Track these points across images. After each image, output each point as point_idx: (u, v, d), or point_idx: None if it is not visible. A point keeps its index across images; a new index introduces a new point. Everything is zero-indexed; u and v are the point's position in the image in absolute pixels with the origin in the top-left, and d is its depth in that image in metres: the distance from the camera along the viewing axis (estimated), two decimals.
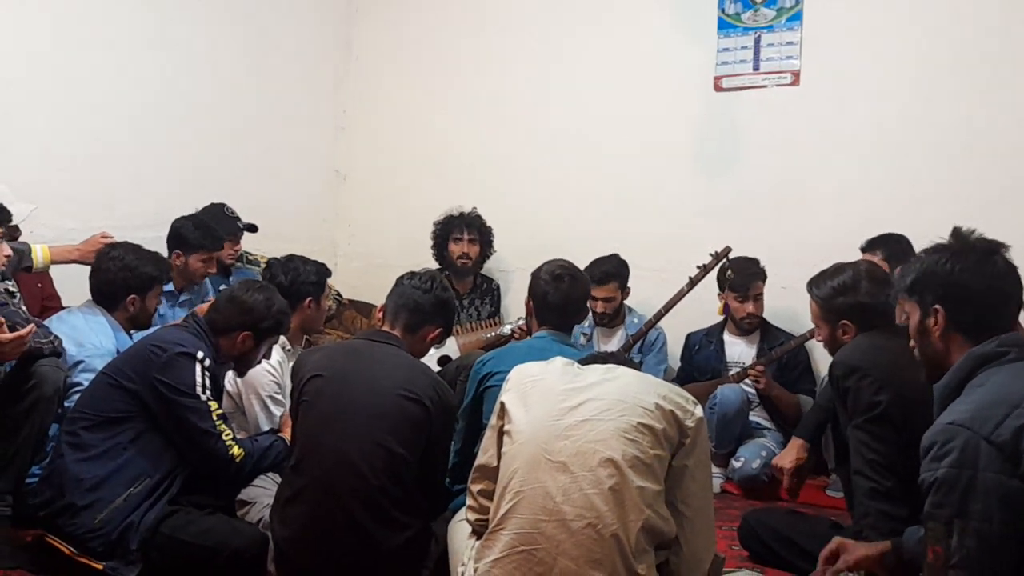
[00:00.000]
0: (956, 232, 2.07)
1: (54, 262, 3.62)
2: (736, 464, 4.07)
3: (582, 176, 5.17)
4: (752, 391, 4.28)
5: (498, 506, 2.02)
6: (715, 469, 4.16)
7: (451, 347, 4.53)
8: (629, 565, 1.87)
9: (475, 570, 2.00)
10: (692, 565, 2.01)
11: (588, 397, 2.06)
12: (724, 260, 4.17)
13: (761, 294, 4.33)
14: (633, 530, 1.89)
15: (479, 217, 5.06)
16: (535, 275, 3.03)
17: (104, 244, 3.61)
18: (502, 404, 2.17)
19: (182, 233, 4.08)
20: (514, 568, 1.92)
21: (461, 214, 5.03)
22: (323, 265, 3.69)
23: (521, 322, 4.37)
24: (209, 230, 4.17)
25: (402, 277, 2.93)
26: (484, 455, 2.22)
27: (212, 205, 4.47)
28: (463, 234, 4.99)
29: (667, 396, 2.06)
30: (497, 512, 2.00)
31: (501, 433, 2.14)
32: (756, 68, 4.74)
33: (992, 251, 2.00)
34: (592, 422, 2.00)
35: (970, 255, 1.98)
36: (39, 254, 3.59)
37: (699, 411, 2.10)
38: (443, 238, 5.04)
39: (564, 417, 2.03)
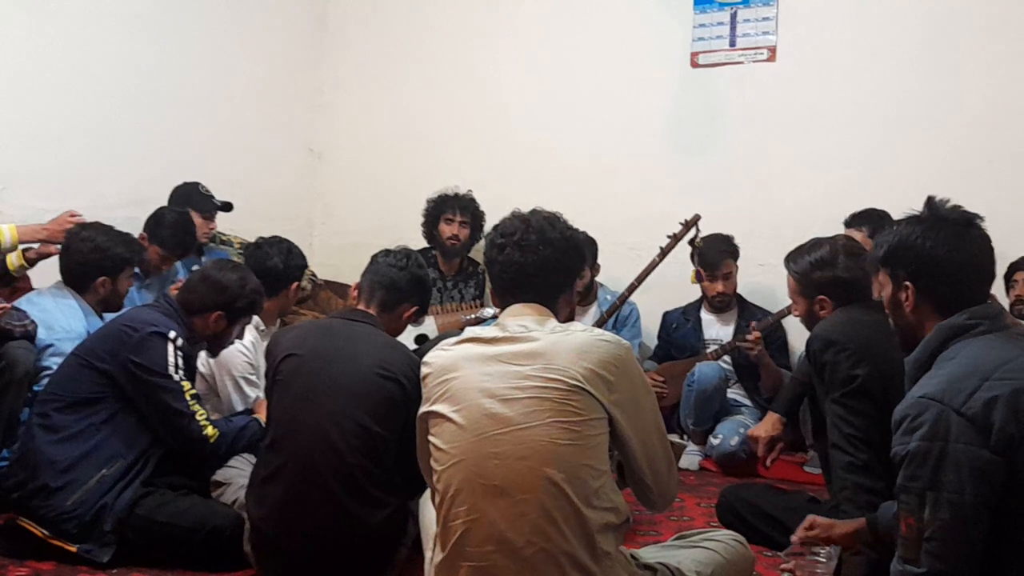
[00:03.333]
0: (930, 202, 2.04)
1: (22, 241, 3.56)
2: (714, 441, 4.08)
3: (559, 153, 5.14)
4: (730, 368, 4.29)
5: (445, 534, 1.92)
6: (693, 446, 4.20)
7: (429, 327, 4.50)
8: (589, 571, 1.83)
9: None
10: (660, 504, 2.08)
11: (507, 396, 1.89)
12: (694, 227, 4.15)
13: (731, 272, 4.34)
14: (589, 541, 1.83)
15: (473, 200, 5.00)
16: None
17: (72, 223, 3.56)
18: (426, 415, 2.02)
19: (160, 231, 4.00)
20: None
21: (456, 195, 4.98)
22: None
23: None
24: (186, 239, 4.08)
25: (377, 255, 2.90)
26: (421, 461, 2.10)
27: (186, 184, 4.42)
28: (455, 215, 4.95)
29: (585, 371, 1.88)
30: (446, 542, 1.91)
31: (429, 442, 2.02)
32: (732, 44, 4.73)
33: (966, 222, 1.98)
34: (516, 433, 1.86)
35: (943, 227, 1.96)
36: (6, 234, 3.51)
37: (619, 369, 1.91)
38: (435, 216, 4.99)
39: (487, 430, 1.88)
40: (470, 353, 1.99)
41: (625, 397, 1.93)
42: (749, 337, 4.08)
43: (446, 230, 4.95)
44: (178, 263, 4.23)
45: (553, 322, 2.03)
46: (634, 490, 2.06)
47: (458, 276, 5.09)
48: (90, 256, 3.36)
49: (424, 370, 2.07)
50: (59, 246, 3.54)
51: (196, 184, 4.45)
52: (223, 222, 4.69)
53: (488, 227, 5.07)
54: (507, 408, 1.88)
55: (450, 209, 4.95)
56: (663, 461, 2.02)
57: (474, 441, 1.89)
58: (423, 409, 2.04)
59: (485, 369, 1.94)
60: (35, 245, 3.58)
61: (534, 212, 2.13)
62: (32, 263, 3.55)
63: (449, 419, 1.94)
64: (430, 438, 2.00)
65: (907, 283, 1.98)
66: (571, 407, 1.86)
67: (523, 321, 2.00)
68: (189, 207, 4.27)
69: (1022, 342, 1.87)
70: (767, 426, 3.09)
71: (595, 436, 1.88)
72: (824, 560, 2.16)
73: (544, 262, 2.06)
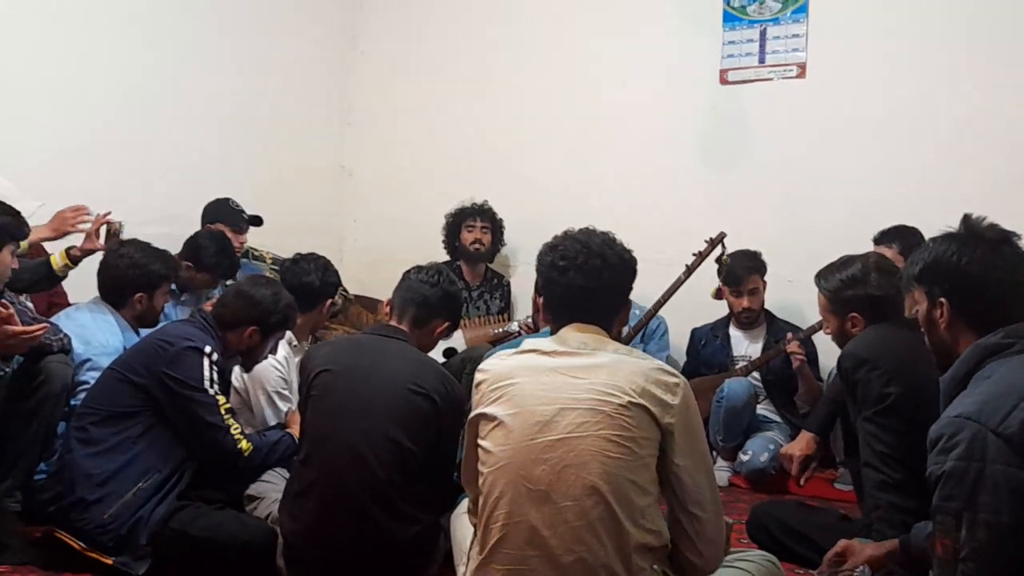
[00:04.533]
0: (966, 220, 2.03)
1: (31, 244, 3.59)
2: (744, 457, 4.07)
3: (589, 170, 5.16)
4: (759, 384, 4.27)
5: (485, 536, 1.94)
6: (722, 463, 4.18)
7: (457, 340, 4.53)
8: None
9: None
10: (708, 555, 1.96)
11: (561, 406, 1.91)
12: (720, 245, 4.15)
13: (758, 288, 4.33)
14: (626, 555, 1.83)
15: (491, 208, 5.13)
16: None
17: (75, 216, 3.61)
18: (476, 417, 2.04)
19: (202, 253, 4.04)
20: None
21: (473, 204, 5.11)
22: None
23: (529, 319, 4.37)
24: (228, 260, 4.13)
25: (409, 271, 2.93)
26: (466, 468, 2.12)
27: (217, 200, 4.48)
28: (476, 222, 5.07)
29: (644, 389, 1.90)
30: (485, 543, 1.93)
31: (477, 446, 2.03)
32: (762, 61, 4.73)
33: (1002, 240, 1.97)
34: (568, 441, 1.88)
35: (979, 245, 1.95)
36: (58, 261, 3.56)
37: (679, 399, 1.93)
38: (455, 228, 5.11)
39: (539, 435, 1.90)
40: (529, 363, 2.02)
41: (680, 423, 1.92)
42: (792, 345, 4.07)
43: (468, 237, 5.06)
44: None
45: (613, 343, 2.05)
46: (677, 541, 1.98)
47: (483, 286, 5.16)
48: (127, 272, 3.41)
49: (479, 376, 2.08)
50: (102, 242, 3.59)
51: (227, 200, 4.50)
52: (255, 237, 4.74)
53: (515, 242, 5.13)
54: (561, 417, 1.90)
55: (470, 217, 5.08)
56: (710, 504, 1.97)
57: (524, 445, 1.91)
58: (475, 412, 2.06)
59: (543, 379, 1.97)
60: (77, 243, 3.60)
61: (590, 234, 2.11)
62: (76, 261, 3.55)
63: (501, 422, 1.97)
64: (479, 441, 2.02)
65: (942, 300, 1.97)
66: (625, 422, 1.87)
67: (584, 339, 2.02)
68: (219, 222, 4.33)
69: None
70: (801, 445, 3.07)
71: (645, 455, 1.89)
72: None
73: (606, 286, 2.08)
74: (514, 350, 2.10)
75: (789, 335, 4.13)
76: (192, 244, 4.08)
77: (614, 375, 1.93)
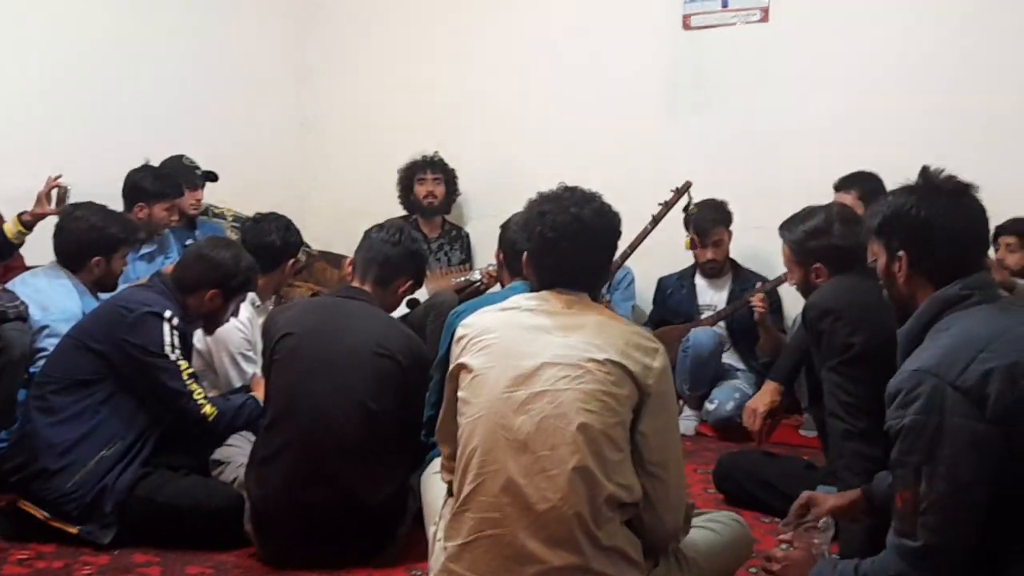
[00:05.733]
0: (924, 172, 2.02)
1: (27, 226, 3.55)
2: (710, 406, 4.10)
3: (551, 119, 5.11)
4: (724, 333, 4.29)
5: (461, 484, 1.96)
6: (689, 412, 4.21)
7: (420, 291, 4.50)
8: (593, 537, 1.84)
9: (444, 548, 1.98)
10: (667, 519, 1.98)
11: (544, 360, 1.93)
12: (686, 194, 4.14)
13: (723, 240, 4.34)
14: (596, 506, 1.85)
15: (441, 159, 5.12)
16: (505, 225, 3.00)
17: (53, 185, 3.57)
18: (457, 368, 2.05)
19: (141, 184, 4.01)
20: (483, 552, 1.89)
21: (424, 157, 5.10)
22: None
23: (491, 267, 4.35)
24: (167, 177, 4.14)
25: (370, 230, 2.90)
26: (444, 421, 2.13)
27: (171, 157, 4.40)
28: (427, 174, 5.08)
29: (625, 351, 1.94)
30: (460, 491, 1.95)
31: (456, 397, 2.05)
32: (725, 5, 4.68)
33: (960, 192, 1.96)
34: (550, 394, 1.90)
35: (937, 198, 1.94)
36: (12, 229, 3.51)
37: (659, 362, 1.96)
38: (408, 181, 5.11)
39: (520, 387, 1.92)
40: (512, 320, 2.04)
41: (657, 388, 1.94)
42: (756, 299, 4.08)
43: (420, 190, 5.07)
44: (172, 238, 4.22)
45: (597, 307, 2.08)
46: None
47: (442, 239, 5.17)
48: (84, 235, 3.34)
49: (461, 331, 2.09)
50: (53, 207, 3.54)
51: (180, 157, 4.43)
52: (215, 194, 4.67)
53: (475, 192, 5.09)
54: (543, 371, 1.92)
55: (420, 170, 5.09)
56: (673, 467, 1.99)
57: (504, 396, 1.93)
58: (455, 363, 2.06)
59: (526, 335, 1.99)
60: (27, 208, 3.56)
61: (580, 200, 2.07)
62: (29, 226, 3.52)
63: (481, 374, 1.98)
64: (459, 393, 2.03)
65: (900, 253, 1.97)
66: (605, 378, 1.90)
67: (569, 301, 2.04)
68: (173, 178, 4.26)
69: (1015, 312, 1.86)
70: (765, 398, 3.08)
71: (622, 412, 1.90)
72: (822, 529, 2.17)
73: (596, 259, 2.11)
74: (498, 307, 2.11)
75: (758, 284, 4.13)
76: (130, 186, 4.03)
77: (596, 334, 1.95)
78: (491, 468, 1.90)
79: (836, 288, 2.70)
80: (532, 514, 1.86)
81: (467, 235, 5.27)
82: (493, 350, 1.99)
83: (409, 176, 5.09)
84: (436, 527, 2.13)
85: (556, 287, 2.07)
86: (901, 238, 1.97)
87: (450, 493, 2.07)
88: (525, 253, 2.14)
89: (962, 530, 1.70)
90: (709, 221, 4.28)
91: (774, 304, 4.28)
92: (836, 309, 2.60)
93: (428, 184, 5.06)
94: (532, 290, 2.14)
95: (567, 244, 2.04)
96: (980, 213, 1.97)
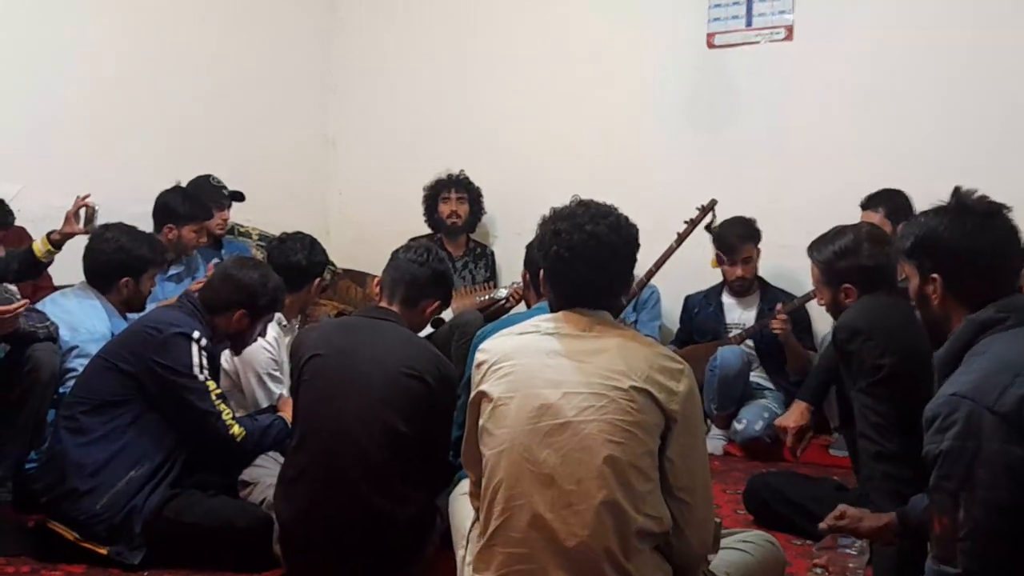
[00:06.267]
0: (956, 193, 2.01)
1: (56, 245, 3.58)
2: (738, 426, 4.07)
3: (575, 138, 5.11)
4: (752, 352, 4.27)
5: (488, 518, 1.93)
6: (717, 431, 4.19)
7: (445, 310, 4.52)
8: (623, 571, 1.81)
9: None
10: (695, 543, 1.95)
11: (566, 389, 1.89)
12: (710, 213, 4.13)
13: (751, 257, 4.31)
14: (626, 539, 1.82)
15: (467, 178, 5.11)
16: (530, 245, 2.99)
17: (81, 204, 3.61)
18: (478, 396, 2.02)
19: (171, 206, 4.06)
20: None
21: (449, 175, 5.09)
22: None
23: (517, 285, 4.36)
24: (197, 200, 4.17)
25: (397, 251, 2.90)
26: (467, 447, 2.10)
27: (197, 177, 4.44)
28: (451, 193, 5.05)
29: (649, 375, 1.89)
30: (487, 525, 1.92)
31: (479, 426, 2.01)
32: (749, 24, 4.67)
33: (992, 214, 1.95)
34: (573, 426, 1.86)
35: (969, 219, 1.93)
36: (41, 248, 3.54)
37: (684, 384, 1.91)
38: (433, 200, 5.10)
39: (544, 419, 1.88)
40: (532, 345, 1.99)
41: (684, 411, 1.91)
42: (776, 319, 4.07)
43: (444, 209, 5.05)
44: (199, 258, 4.24)
45: (618, 327, 2.04)
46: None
47: (466, 257, 5.16)
48: (113, 256, 3.37)
49: (480, 356, 2.05)
50: (81, 226, 3.58)
51: (207, 176, 4.47)
52: (241, 212, 4.70)
53: (500, 210, 5.08)
54: (566, 401, 1.89)
55: (444, 189, 5.07)
56: (700, 491, 1.96)
57: (528, 428, 1.90)
58: (476, 390, 2.03)
59: (547, 361, 1.95)
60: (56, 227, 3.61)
61: (594, 216, 2.02)
62: (58, 245, 3.55)
63: (504, 404, 1.94)
64: (481, 422, 2.00)
65: (933, 276, 1.96)
66: (630, 407, 1.86)
67: (588, 322, 2.00)
68: (200, 199, 4.29)
69: None
70: (795, 416, 3.06)
71: (648, 441, 1.87)
72: (856, 554, 2.16)
73: (614, 275, 2.06)
74: (517, 330, 2.08)
75: (778, 306, 4.12)
76: (160, 207, 4.08)
77: (619, 360, 1.91)
78: (518, 502, 1.88)
79: (865, 308, 2.68)
80: (561, 550, 1.83)
81: (492, 253, 5.27)
82: (514, 378, 1.96)
83: (434, 194, 5.08)
84: (464, 550, 2.12)
85: (575, 307, 2.03)
86: (934, 260, 1.96)
87: (478, 517, 2.06)
88: (540, 272, 2.11)
89: (1002, 556, 1.67)
90: (737, 238, 4.26)
91: (802, 323, 4.26)
92: (865, 330, 2.58)
93: (452, 203, 5.04)
94: (551, 310, 2.12)
95: (584, 263, 2.00)
96: (1013, 234, 1.97)
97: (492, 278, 5.12)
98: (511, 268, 4.96)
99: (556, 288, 2.09)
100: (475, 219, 5.17)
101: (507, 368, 1.97)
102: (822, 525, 2.32)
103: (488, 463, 1.95)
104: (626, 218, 2.08)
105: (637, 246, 2.09)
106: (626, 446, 1.84)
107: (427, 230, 5.11)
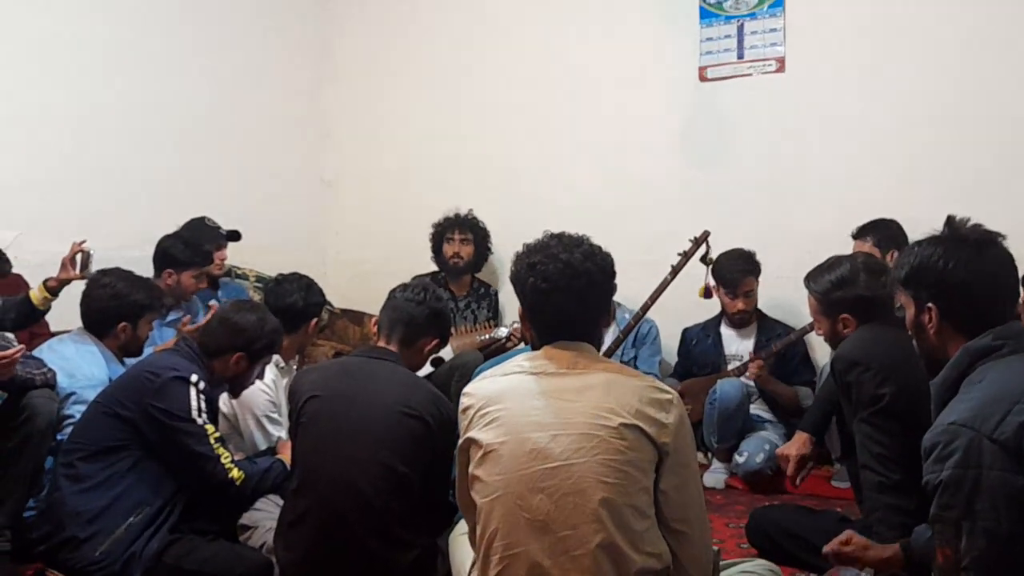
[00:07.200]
0: (950, 222, 2.02)
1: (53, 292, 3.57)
2: (739, 459, 4.04)
3: (569, 173, 5.14)
4: (752, 384, 4.25)
5: (484, 567, 1.91)
6: (718, 464, 4.16)
7: (445, 349, 4.50)
8: None
9: None
10: (695, 570, 1.93)
11: (555, 432, 1.87)
12: (704, 244, 4.13)
13: (752, 290, 4.31)
14: None
15: (474, 218, 5.09)
16: None
17: (77, 249, 3.60)
18: (467, 442, 2.00)
19: (171, 252, 4.07)
20: None
21: (456, 215, 5.09)
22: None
23: (517, 324, 4.35)
24: (197, 246, 4.17)
25: (394, 290, 2.90)
26: (461, 493, 2.08)
27: (192, 220, 4.45)
28: (455, 234, 5.04)
29: (639, 409, 1.87)
30: (485, 573, 1.90)
31: (469, 474, 1.99)
32: (740, 56, 4.71)
33: (986, 242, 1.96)
34: (564, 469, 1.84)
35: (964, 249, 1.94)
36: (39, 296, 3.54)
37: (674, 415, 1.90)
38: (439, 239, 5.09)
39: (534, 463, 1.87)
40: (518, 386, 1.98)
41: (674, 442, 1.90)
42: (751, 368, 4.10)
43: (448, 250, 5.05)
44: (198, 302, 4.24)
45: (603, 361, 2.03)
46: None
47: (469, 296, 5.14)
48: (110, 302, 3.36)
49: (465, 400, 2.04)
50: (77, 271, 3.57)
51: (202, 218, 4.48)
52: (238, 255, 4.71)
53: (501, 248, 5.10)
54: (555, 443, 1.87)
55: (449, 229, 5.06)
56: (696, 521, 1.95)
57: (519, 475, 1.88)
58: (464, 437, 2.01)
59: (534, 403, 1.93)
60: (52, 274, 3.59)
61: (568, 246, 2.03)
62: (54, 292, 3.55)
63: (493, 450, 1.92)
64: (471, 469, 1.98)
65: (929, 305, 1.96)
66: (620, 445, 1.85)
67: (572, 358, 1.99)
68: (196, 241, 4.30)
69: None
70: (796, 445, 3.05)
71: (642, 479, 1.86)
72: None
73: (592, 305, 2.06)
74: (501, 371, 2.06)
75: (773, 345, 4.13)
76: (160, 253, 4.08)
77: (606, 396, 1.90)
78: (514, 551, 1.86)
79: (862, 339, 2.68)
80: None
81: (495, 293, 5.24)
82: (502, 423, 1.94)
83: (440, 234, 5.08)
84: None
85: (557, 340, 2.02)
86: (929, 289, 1.96)
87: (475, 563, 2.04)
88: (519, 308, 2.09)
89: None
90: (739, 272, 4.26)
91: (800, 353, 4.26)
92: (863, 360, 2.58)
93: (455, 244, 5.03)
94: (532, 347, 2.10)
95: (561, 293, 2.00)
96: (1008, 262, 1.97)
97: (494, 317, 5.11)
98: (515, 307, 4.95)
99: (536, 322, 2.08)
100: (480, 259, 5.14)
101: (494, 413, 1.96)
102: (826, 549, 2.32)
103: (482, 511, 1.93)
104: (599, 247, 2.08)
105: (613, 274, 2.09)
106: (620, 486, 1.83)
107: (425, 269, 5.11)
